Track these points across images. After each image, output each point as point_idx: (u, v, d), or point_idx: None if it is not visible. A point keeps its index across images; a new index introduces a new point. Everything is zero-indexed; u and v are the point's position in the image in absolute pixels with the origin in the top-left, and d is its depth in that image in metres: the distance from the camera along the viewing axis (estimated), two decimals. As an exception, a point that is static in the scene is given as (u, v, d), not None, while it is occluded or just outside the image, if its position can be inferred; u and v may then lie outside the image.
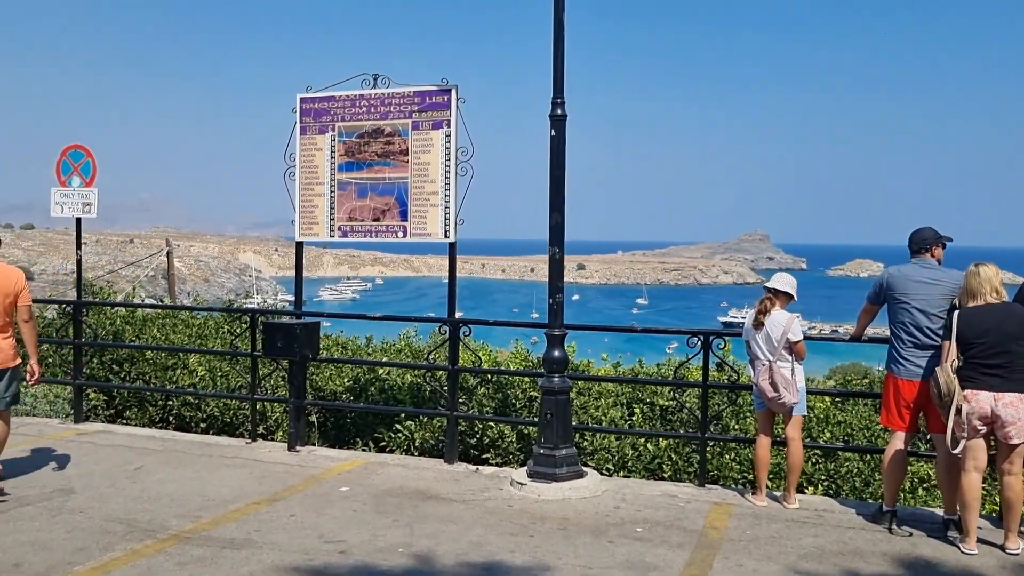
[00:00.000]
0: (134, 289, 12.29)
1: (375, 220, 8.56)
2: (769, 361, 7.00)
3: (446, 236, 8.32)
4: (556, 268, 7.57)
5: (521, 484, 7.39)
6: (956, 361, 6.01)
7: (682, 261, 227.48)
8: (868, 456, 8.11)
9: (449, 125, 8.27)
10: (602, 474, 8.05)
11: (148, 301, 15.45)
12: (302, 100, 8.86)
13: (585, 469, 7.68)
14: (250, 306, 12.83)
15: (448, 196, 8.27)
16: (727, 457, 8.31)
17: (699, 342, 7.70)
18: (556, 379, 7.54)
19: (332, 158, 8.71)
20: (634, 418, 8.85)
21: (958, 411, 5.90)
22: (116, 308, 11.31)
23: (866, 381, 10.28)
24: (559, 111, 7.48)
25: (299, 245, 9.04)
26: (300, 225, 8.87)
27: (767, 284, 7.23)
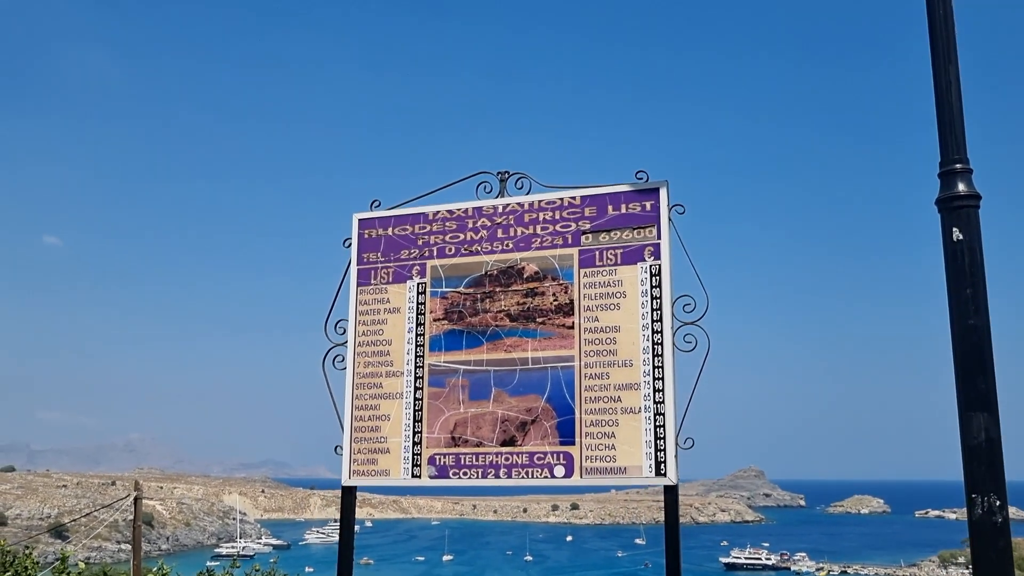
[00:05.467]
0: (65, 555, 7.79)
1: (506, 444, 4.33)
2: None
3: (660, 472, 4.07)
4: None
5: None
6: None
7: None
8: None
9: (657, 255, 4.23)
10: None
11: (117, 550, 10.66)
12: (362, 223, 4.83)
13: None
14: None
15: (660, 393, 4.10)
16: None
17: None
18: None
19: (419, 325, 4.59)
20: None
21: None
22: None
23: None
24: (960, 184, 3.30)
25: (347, 493, 4.73)
26: (352, 456, 4.62)
27: None
